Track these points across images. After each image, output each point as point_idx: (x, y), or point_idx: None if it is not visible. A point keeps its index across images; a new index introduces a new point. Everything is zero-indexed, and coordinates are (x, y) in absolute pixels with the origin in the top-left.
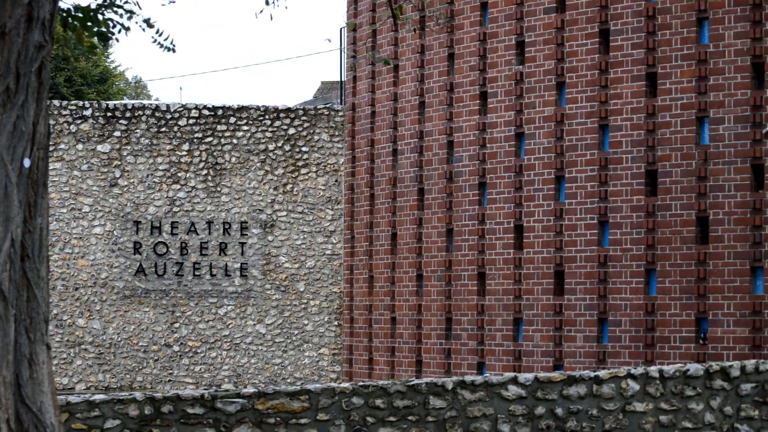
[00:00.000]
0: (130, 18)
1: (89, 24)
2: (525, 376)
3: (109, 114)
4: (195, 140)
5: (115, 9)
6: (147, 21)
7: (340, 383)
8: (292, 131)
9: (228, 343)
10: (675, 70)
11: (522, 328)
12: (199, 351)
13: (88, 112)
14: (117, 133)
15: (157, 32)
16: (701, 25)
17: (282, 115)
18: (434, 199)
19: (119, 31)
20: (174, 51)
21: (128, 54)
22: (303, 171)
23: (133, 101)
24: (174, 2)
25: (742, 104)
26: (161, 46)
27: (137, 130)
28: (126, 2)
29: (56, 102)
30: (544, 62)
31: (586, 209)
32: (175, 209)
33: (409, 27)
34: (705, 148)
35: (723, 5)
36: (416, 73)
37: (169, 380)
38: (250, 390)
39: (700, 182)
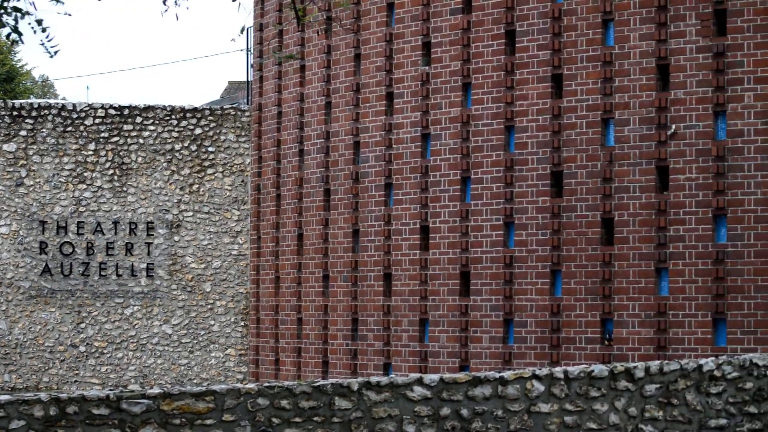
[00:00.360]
0: (23, 17)
1: None
2: (430, 377)
3: (15, 113)
4: (101, 140)
5: (5, 9)
6: (39, 22)
7: (246, 384)
8: (198, 131)
9: (134, 344)
10: (580, 72)
11: (428, 329)
12: (105, 351)
13: None
14: (23, 133)
15: (45, 35)
16: (607, 26)
17: (188, 115)
18: (340, 200)
19: (8, 35)
20: (52, 56)
21: (35, 53)
22: (209, 171)
23: (39, 100)
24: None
25: (647, 106)
26: (46, 50)
27: (43, 130)
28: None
29: None
30: (450, 63)
31: (491, 210)
32: (81, 209)
33: (315, 27)
34: (610, 150)
35: (628, 7)
36: (323, 73)
37: (76, 381)
38: (156, 391)
39: (605, 184)
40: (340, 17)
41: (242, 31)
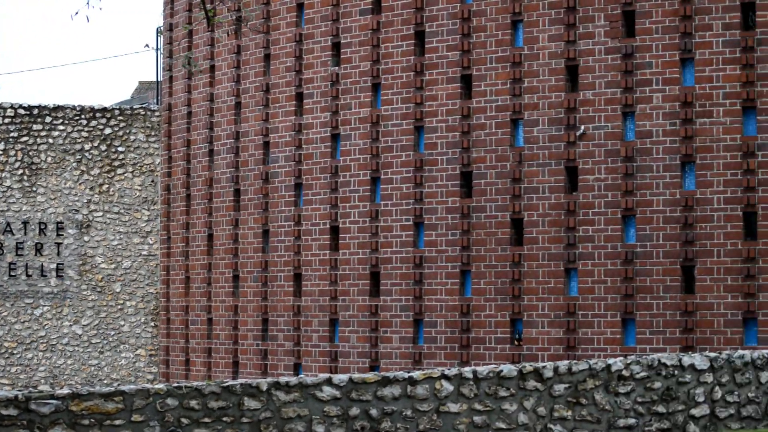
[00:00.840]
0: None
1: None
2: (339, 377)
3: None
4: (10, 140)
5: None
6: None
7: (155, 384)
8: (108, 131)
9: (44, 344)
10: (490, 72)
11: (338, 329)
12: (15, 352)
13: None
14: None
15: None
16: (516, 27)
17: (98, 114)
18: (250, 200)
19: None
20: None
21: None
22: (119, 171)
23: None
24: None
25: (556, 107)
26: None
27: None
28: None
29: None
30: (360, 64)
31: (401, 210)
32: None
33: (225, 28)
34: (519, 150)
35: (537, 8)
36: (232, 73)
37: None
38: (65, 391)
39: (515, 184)
40: (249, 17)
41: (158, 33)
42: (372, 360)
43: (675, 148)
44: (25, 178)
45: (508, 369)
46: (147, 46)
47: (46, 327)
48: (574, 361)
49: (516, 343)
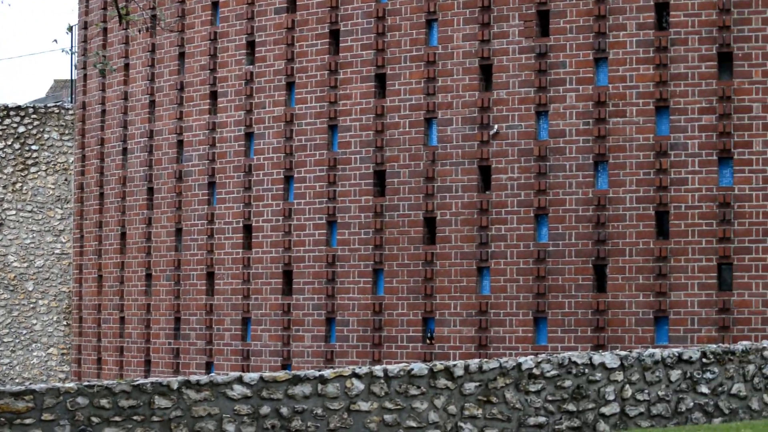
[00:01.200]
0: None
1: None
2: (250, 376)
3: None
4: None
5: None
6: None
7: (66, 383)
8: (21, 129)
9: None
10: (404, 72)
11: (250, 327)
12: None
13: None
14: None
15: None
16: (430, 26)
17: (12, 113)
18: (164, 199)
19: None
20: None
21: None
22: (32, 170)
23: None
24: None
25: (470, 106)
26: None
27: None
28: None
29: None
30: (275, 62)
31: (314, 209)
32: None
33: (139, 26)
34: (433, 149)
35: (452, 8)
36: (147, 71)
37: None
38: None
39: (428, 183)
40: (163, 16)
41: (69, 29)
42: (284, 358)
43: (588, 147)
44: None
45: (419, 367)
46: (55, 41)
47: None
48: (485, 360)
49: (428, 341)
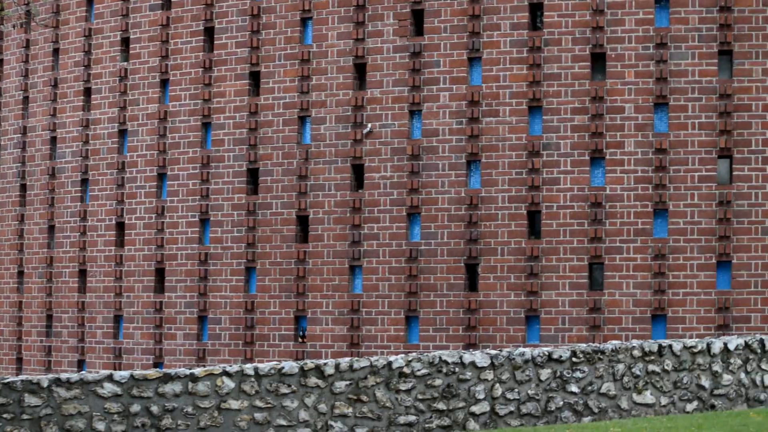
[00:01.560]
0: None
1: None
2: (120, 374)
3: None
4: None
5: None
6: None
7: None
8: None
9: None
10: (278, 69)
11: (122, 325)
12: None
13: None
14: None
15: None
16: (305, 25)
17: None
18: (36, 195)
19: None
20: None
21: None
22: None
23: None
24: None
25: (344, 104)
26: None
27: None
28: None
29: None
30: (149, 59)
31: (187, 207)
32: None
33: (13, 21)
34: (306, 148)
35: (327, 6)
36: (21, 68)
37: None
38: None
39: (301, 181)
40: (33, 14)
41: None
42: (156, 357)
43: (461, 146)
44: None
45: (290, 366)
46: None
47: None
48: (356, 359)
49: (300, 340)
